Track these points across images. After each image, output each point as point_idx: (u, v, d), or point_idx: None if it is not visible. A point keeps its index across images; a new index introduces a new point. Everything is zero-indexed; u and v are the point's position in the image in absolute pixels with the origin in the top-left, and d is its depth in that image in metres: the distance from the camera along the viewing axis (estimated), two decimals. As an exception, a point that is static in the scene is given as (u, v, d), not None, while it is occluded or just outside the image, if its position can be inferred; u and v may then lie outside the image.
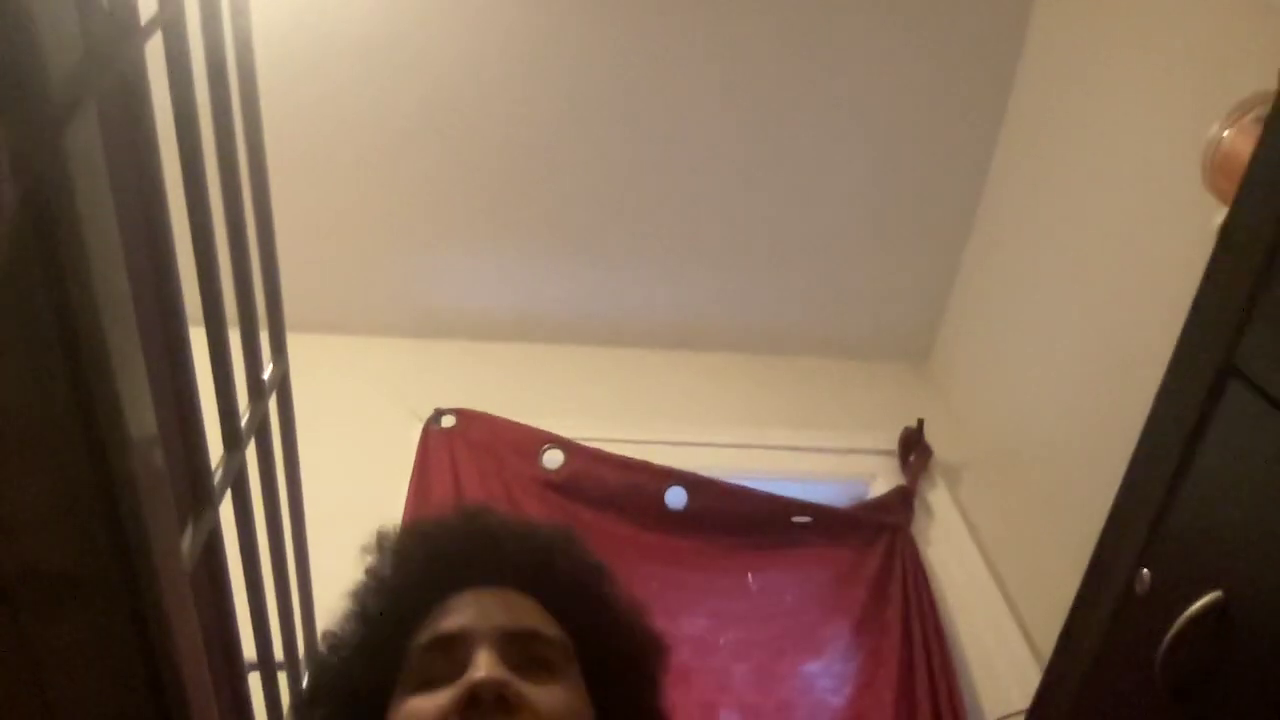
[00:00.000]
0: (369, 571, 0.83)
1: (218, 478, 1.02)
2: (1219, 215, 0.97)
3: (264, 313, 1.21)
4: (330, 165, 2.31)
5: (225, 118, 1.03)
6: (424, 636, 0.74)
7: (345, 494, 1.99)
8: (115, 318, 0.67)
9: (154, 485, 0.76)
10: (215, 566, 1.02)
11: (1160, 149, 1.75)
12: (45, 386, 0.65)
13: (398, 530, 0.85)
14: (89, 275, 0.63)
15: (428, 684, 0.71)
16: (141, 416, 0.74)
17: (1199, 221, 1.59)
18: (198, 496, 0.98)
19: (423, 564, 0.79)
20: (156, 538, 0.76)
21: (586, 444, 2.12)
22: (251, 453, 1.17)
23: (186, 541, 0.93)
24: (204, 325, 1.02)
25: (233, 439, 1.06)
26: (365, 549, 0.84)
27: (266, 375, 1.18)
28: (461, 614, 0.74)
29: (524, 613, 0.76)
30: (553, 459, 2.09)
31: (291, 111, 2.18)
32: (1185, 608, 0.82)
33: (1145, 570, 0.89)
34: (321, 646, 0.83)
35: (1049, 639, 1.76)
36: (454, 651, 0.71)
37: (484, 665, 0.68)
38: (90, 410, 0.67)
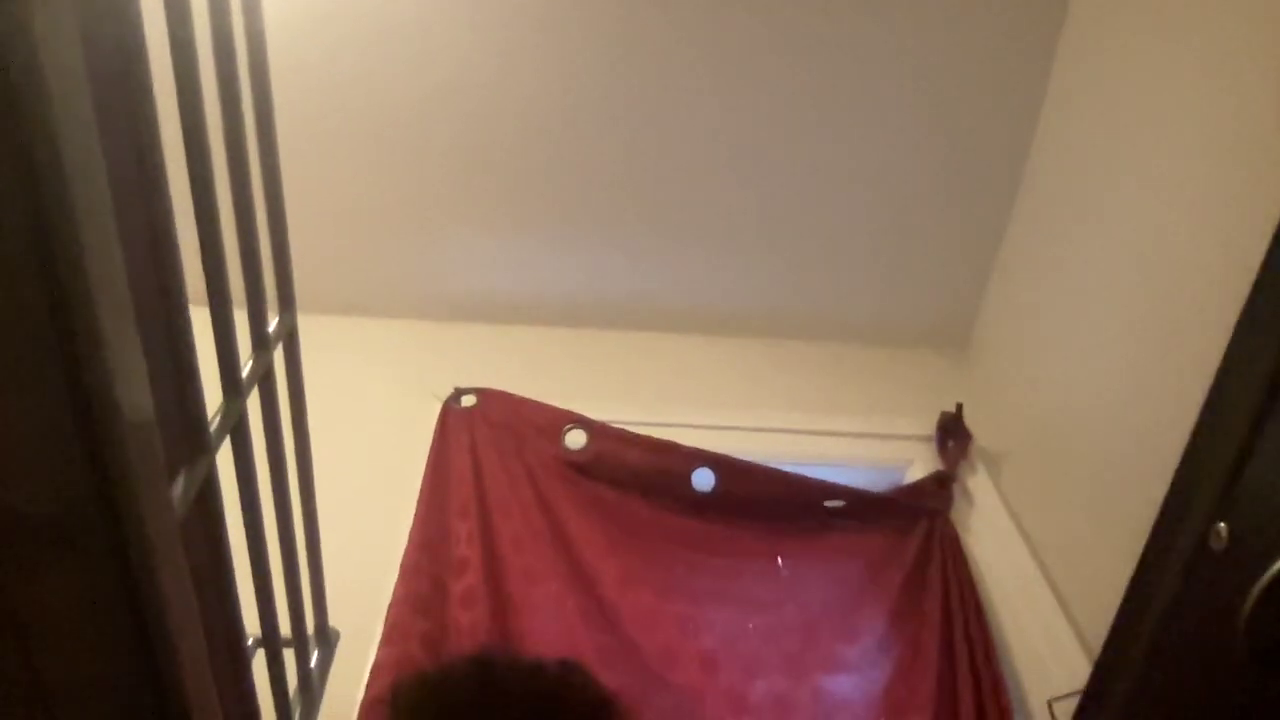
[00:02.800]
0: None
1: (214, 426, 0.96)
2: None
3: (271, 265, 1.16)
4: (348, 147, 2.28)
5: (229, 61, 0.99)
6: None
7: (362, 473, 1.96)
8: (97, 248, 0.62)
9: (139, 422, 0.71)
10: (211, 520, 0.96)
11: (1207, 126, 1.68)
12: (20, 314, 0.60)
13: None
14: (68, 196, 0.58)
15: None
16: (125, 348, 0.69)
17: (1246, 198, 1.53)
18: (193, 444, 0.92)
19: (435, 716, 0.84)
20: (142, 478, 0.71)
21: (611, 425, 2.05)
22: (257, 414, 1.13)
23: (179, 488, 0.87)
24: (203, 275, 0.97)
25: (232, 386, 1.01)
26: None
27: (272, 327, 1.13)
28: None
29: None
30: (575, 439, 2.02)
31: (307, 95, 2.16)
32: (1270, 564, 0.73)
33: (1222, 524, 0.81)
34: None
35: (1095, 626, 1.68)
36: None
37: None
38: (69, 341, 0.62)
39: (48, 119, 0.55)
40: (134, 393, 0.69)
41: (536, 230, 2.46)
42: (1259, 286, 0.87)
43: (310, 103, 2.18)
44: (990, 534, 2.01)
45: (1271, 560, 0.73)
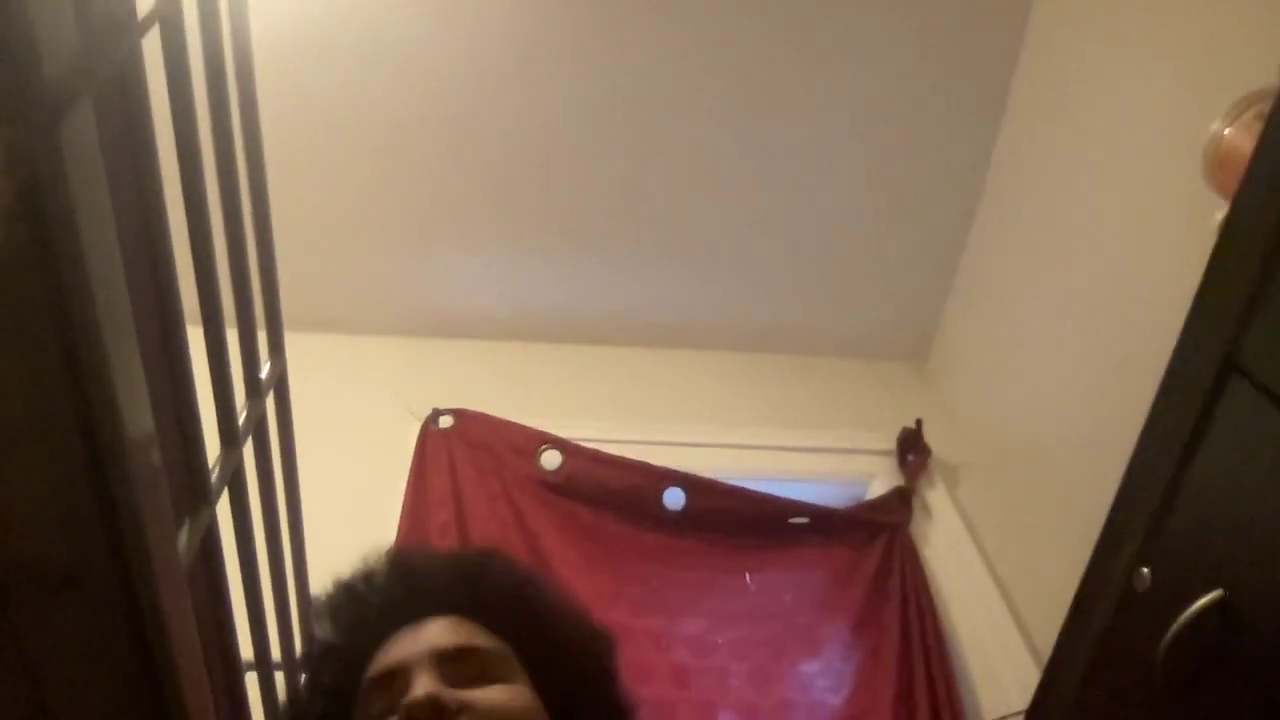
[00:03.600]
0: (313, 639, 0.86)
1: (215, 476, 1.01)
2: (1220, 211, 0.96)
3: (262, 311, 1.21)
4: (329, 164, 2.31)
5: (223, 115, 1.03)
6: (366, 681, 0.77)
7: (343, 494, 1.99)
8: (111, 314, 0.66)
9: (150, 482, 0.75)
10: (212, 565, 1.01)
11: (1160, 147, 1.75)
12: (41, 383, 0.65)
13: (332, 592, 0.87)
14: (85, 272, 0.62)
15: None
16: (138, 413, 0.73)
17: (1199, 219, 1.59)
18: (195, 494, 0.97)
19: (357, 617, 0.83)
20: (153, 535, 0.76)
21: (584, 444, 2.11)
22: (249, 452, 1.17)
23: (183, 539, 0.92)
24: (201, 324, 1.02)
25: (230, 437, 1.06)
26: (311, 615, 0.87)
27: (264, 374, 1.18)
28: (396, 648, 0.77)
29: (456, 633, 0.78)
30: (551, 459, 2.08)
31: (291, 110, 2.17)
32: (1186, 606, 0.81)
33: (1145, 569, 0.89)
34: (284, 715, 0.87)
35: (1048, 638, 1.76)
36: (394, 684, 0.74)
37: (417, 686, 0.71)
38: (86, 408, 0.66)
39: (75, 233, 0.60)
40: (144, 449, 0.73)
41: (511, 247, 2.50)
42: (1184, 335, 0.94)
43: (292, 121, 2.19)
44: (947, 547, 2.10)
45: (1185, 606, 0.81)
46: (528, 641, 0.80)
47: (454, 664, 0.74)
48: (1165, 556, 0.87)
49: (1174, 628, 0.82)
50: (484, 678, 0.74)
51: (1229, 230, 0.83)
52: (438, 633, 0.78)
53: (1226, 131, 1.25)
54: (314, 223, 2.35)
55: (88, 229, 0.63)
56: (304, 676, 0.86)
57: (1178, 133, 1.68)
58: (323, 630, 0.85)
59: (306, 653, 0.86)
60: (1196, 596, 0.81)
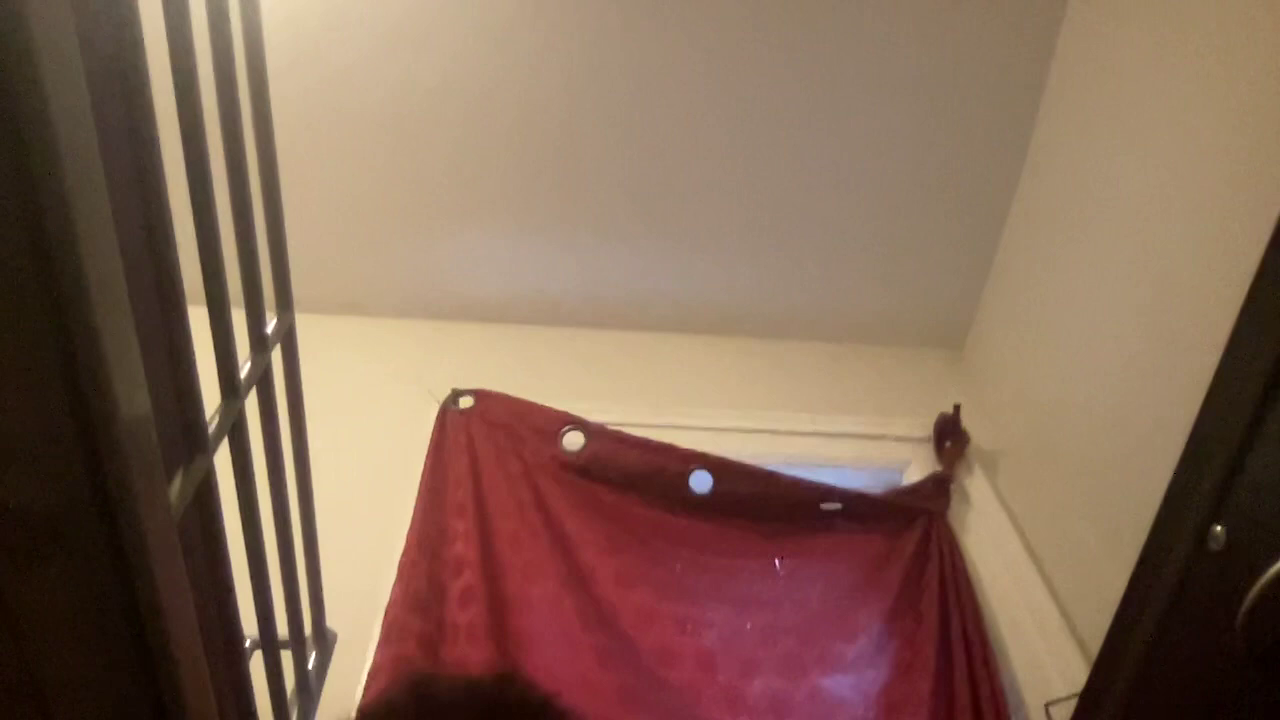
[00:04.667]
0: None
1: (213, 427, 0.96)
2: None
3: (269, 265, 1.16)
4: (347, 147, 2.28)
5: (227, 65, 0.99)
6: None
7: (360, 473, 1.96)
8: (96, 249, 0.62)
9: (136, 422, 0.71)
10: (209, 521, 0.96)
11: (1202, 129, 1.68)
12: (19, 311, 0.60)
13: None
14: (65, 197, 0.58)
15: None
16: (123, 347, 0.69)
17: (1239, 203, 1.53)
18: (191, 444, 0.92)
19: None
20: (139, 477, 0.71)
21: (609, 427, 2.05)
22: (255, 414, 1.13)
23: (175, 488, 0.87)
24: (201, 273, 0.97)
25: (230, 386, 1.00)
26: None
27: (270, 328, 1.13)
28: None
29: None
30: (573, 441, 2.02)
31: (308, 90, 2.15)
32: (1268, 566, 0.74)
33: (1219, 526, 0.81)
34: None
35: (1092, 626, 1.68)
36: None
37: None
38: (67, 339, 0.61)
39: (45, 119, 0.55)
40: (131, 392, 0.68)
41: (534, 230, 2.45)
42: (1257, 287, 0.87)
43: (308, 102, 2.17)
44: (987, 535, 2.01)
45: (1269, 562, 0.73)
46: None
47: None
48: (1242, 512, 0.79)
49: (1255, 589, 0.74)
50: None
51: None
52: None
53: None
54: (332, 206, 2.33)
55: (72, 163, 0.58)
56: None
57: (1223, 113, 1.61)
58: None
59: None
60: (1276, 557, 0.73)
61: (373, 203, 2.38)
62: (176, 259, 0.89)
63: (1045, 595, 1.83)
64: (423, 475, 1.91)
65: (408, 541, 1.76)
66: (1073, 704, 1.13)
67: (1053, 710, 1.54)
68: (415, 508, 1.84)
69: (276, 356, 1.17)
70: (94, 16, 0.73)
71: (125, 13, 0.76)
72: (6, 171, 0.55)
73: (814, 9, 2.18)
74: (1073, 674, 1.61)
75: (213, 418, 0.97)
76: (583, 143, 2.32)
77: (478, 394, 2.11)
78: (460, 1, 2.12)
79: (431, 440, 2.00)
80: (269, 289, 1.16)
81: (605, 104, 2.27)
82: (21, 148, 0.55)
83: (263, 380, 1.12)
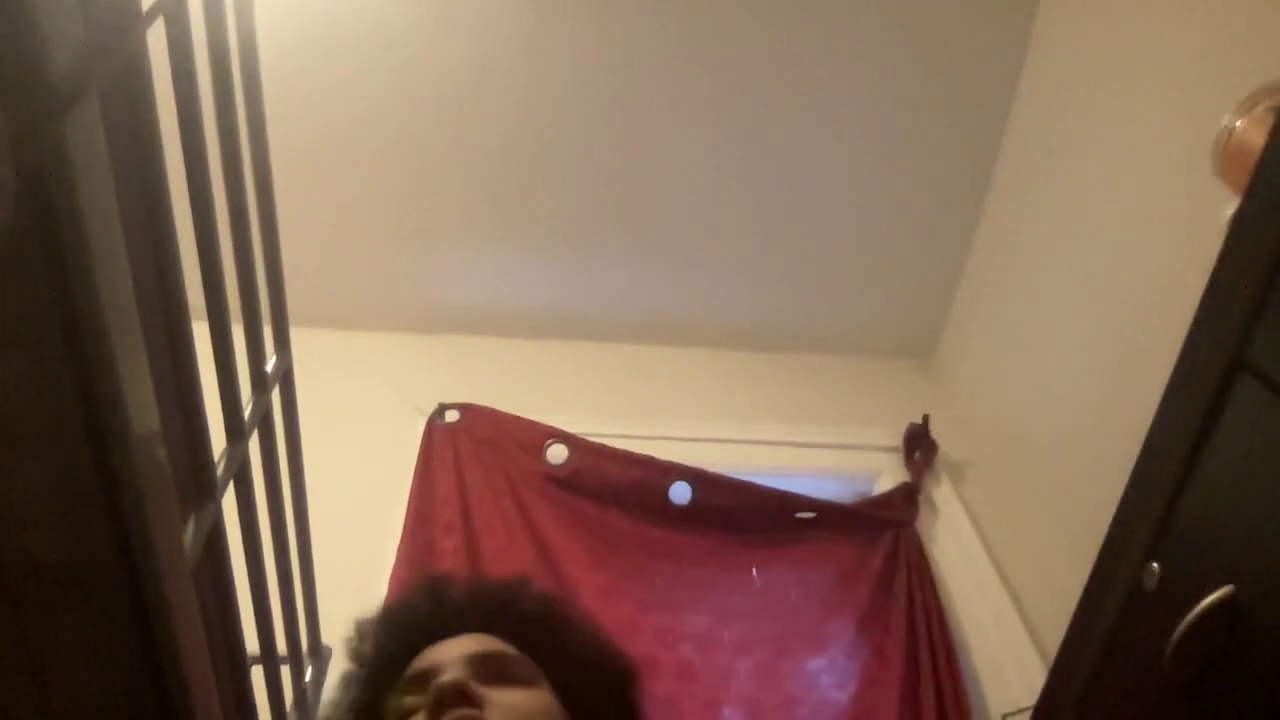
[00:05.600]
0: (352, 654, 0.92)
1: (220, 470, 1.01)
2: (1230, 206, 0.96)
3: (267, 305, 1.21)
4: (335, 161, 2.31)
5: (228, 110, 1.03)
6: (400, 682, 0.82)
7: (349, 489, 1.99)
8: (117, 309, 0.66)
9: (156, 478, 0.75)
10: (218, 560, 1.01)
11: (1168, 143, 1.74)
12: (46, 378, 0.64)
13: (371, 618, 0.94)
14: (90, 267, 0.62)
15: (407, 715, 0.77)
16: (143, 409, 0.73)
17: (1207, 215, 1.59)
18: (200, 489, 0.97)
19: (393, 632, 0.89)
20: (158, 532, 0.76)
21: (590, 439, 2.11)
22: (255, 447, 1.18)
23: (189, 535, 0.92)
24: (206, 318, 1.02)
25: (235, 431, 1.06)
26: (347, 639, 0.93)
27: (269, 368, 1.18)
28: (430, 654, 0.83)
29: (484, 642, 0.83)
30: (557, 454, 2.08)
31: (296, 107, 2.17)
32: (1196, 602, 0.81)
33: (1155, 564, 0.88)
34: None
35: (1054, 635, 1.75)
36: (425, 683, 0.78)
37: (447, 673, 0.76)
38: (92, 402, 0.66)
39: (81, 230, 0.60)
40: (150, 444, 0.73)
41: (517, 244, 2.49)
42: (1193, 331, 0.93)
43: (296, 120, 2.19)
44: (954, 545, 2.09)
45: (1196, 601, 0.80)
46: (552, 656, 0.84)
47: (482, 666, 0.79)
48: (1174, 553, 0.87)
49: (1183, 625, 0.81)
50: (510, 680, 0.78)
51: (1239, 226, 0.82)
52: (468, 641, 0.83)
53: (1238, 125, 1.24)
54: (319, 219, 2.35)
55: (92, 222, 0.63)
56: (340, 694, 0.91)
57: (1186, 128, 1.67)
58: (365, 646, 0.91)
59: (346, 670, 0.92)
60: (1206, 593, 0.80)
61: (358, 218, 2.41)
62: (187, 310, 0.94)
63: (1009, 605, 1.91)
64: (411, 492, 1.97)
65: (397, 559, 1.82)
66: (1026, 716, 1.21)
67: (1009, 721, 1.63)
68: (404, 525, 1.89)
69: (275, 395, 1.22)
70: (104, 43, 0.76)
71: (138, 69, 0.79)
72: (30, 235, 0.60)
73: (784, 25, 2.22)
74: (1035, 683, 1.67)
75: (219, 462, 1.03)
76: (564, 161, 2.36)
77: (464, 408, 2.16)
78: (448, 19, 2.15)
79: (419, 455, 2.05)
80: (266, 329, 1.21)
81: (585, 124, 2.32)
82: (49, 213, 0.59)
83: (263, 419, 1.17)
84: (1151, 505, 0.90)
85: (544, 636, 0.86)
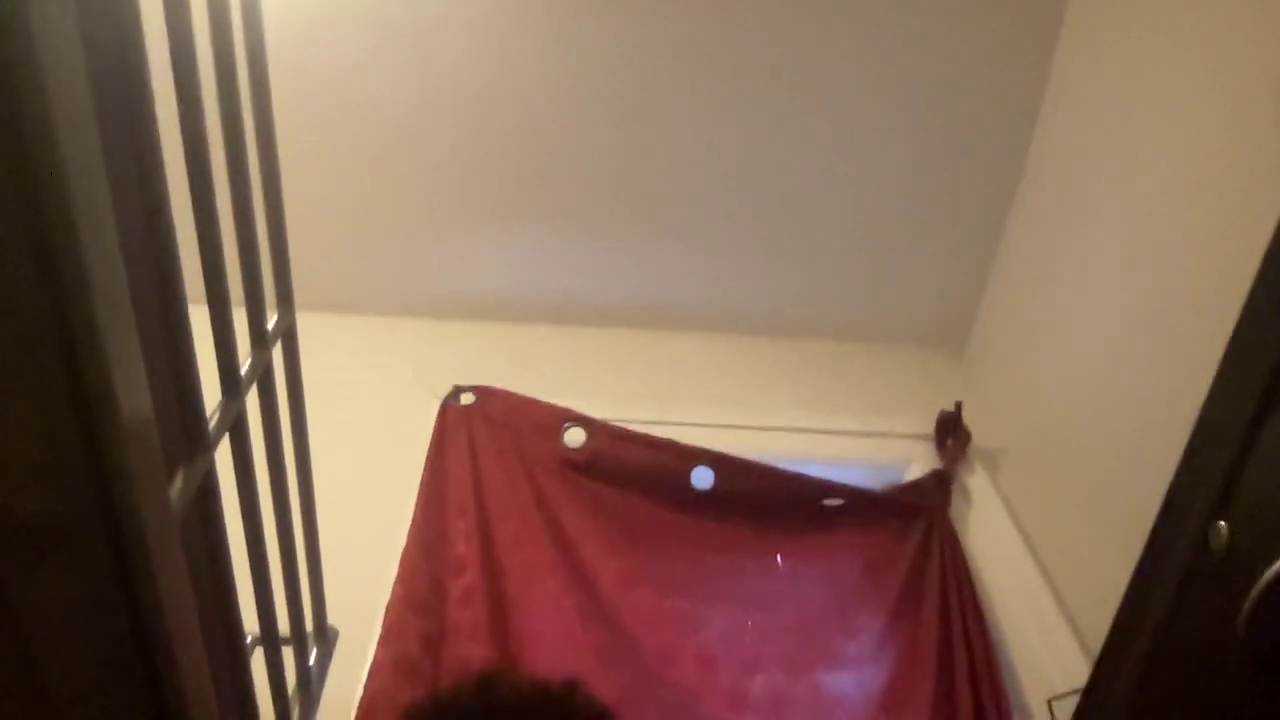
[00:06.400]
0: None
1: (214, 424, 0.96)
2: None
3: (269, 262, 1.16)
4: (348, 145, 2.28)
5: (228, 68, 0.99)
6: None
7: (361, 470, 1.96)
8: (98, 249, 0.61)
9: (138, 421, 0.71)
10: (210, 517, 0.96)
11: (1205, 124, 1.68)
12: (24, 326, 0.60)
13: (422, 710, 0.92)
14: (69, 209, 0.58)
15: None
16: (126, 355, 0.69)
17: (1247, 198, 1.53)
18: (191, 442, 0.92)
19: None
20: (141, 477, 0.71)
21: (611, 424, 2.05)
22: (255, 415, 1.13)
23: (177, 487, 0.87)
24: (202, 271, 0.97)
25: (231, 384, 1.00)
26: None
27: (271, 325, 1.13)
28: None
29: None
30: (574, 437, 2.02)
31: (310, 90, 2.16)
32: (1270, 564, 0.73)
33: (1222, 523, 0.81)
34: None
35: (1093, 624, 1.68)
36: None
37: None
38: (72, 349, 0.61)
39: (47, 116, 0.55)
40: (132, 392, 0.68)
41: (535, 228, 2.46)
42: (1258, 286, 0.87)
43: (309, 101, 2.18)
44: (988, 533, 2.01)
45: (1270, 561, 0.73)
46: None
47: None
48: (1245, 510, 0.79)
49: (1257, 588, 0.74)
50: None
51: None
52: None
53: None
54: (331, 205, 2.33)
55: (72, 156, 0.58)
56: None
57: (1226, 112, 1.61)
58: None
59: None
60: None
61: (372, 201, 2.39)
62: (178, 257, 0.89)
63: (1046, 593, 1.83)
64: (424, 474, 1.92)
65: (409, 541, 1.76)
66: (1074, 701, 1.13)
67: (1055, 706, 1.54)
68: (416, 507, 1.84)
69: (277, 354, 1.17)
70: (96, 18, 0.73)
71: (127, 14, 0.76)
72: (8, 173, 0.55)
73: (814, 9, 2.18)
74: (1074, 671, 1.61)
75: (213, 415, 0.97)
76: (582, 141, 2.32)
77: (478, 390, 2.11)
78: (458, 3, 2.12)
79: (432, 437, 2.00)
80: (269, 286, 1.16)
81: (604, 102, 2.27)
82: (24, 144, 0.54)
83: (264, 378, 1.12)
84: (1219, 458, 0.83)
85: None
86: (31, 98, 0.54)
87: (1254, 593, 0.74)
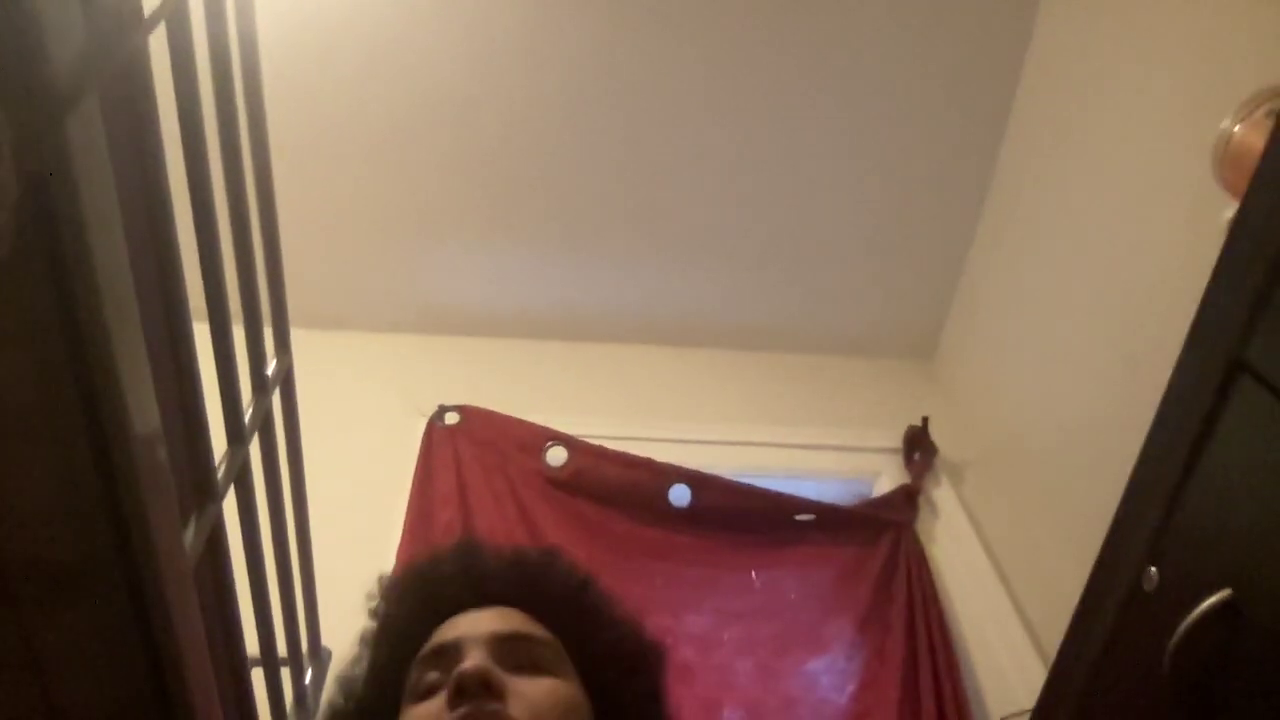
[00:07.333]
0: (373, 613, 0.88)
1: (221, 472, 1.01)
2: (1229, 210, 0.96)
3: (268, 307, 1.21)
4: (335, 161, 2.30)
5: (229, 112, 1.03)
6: (420, 654, 0.78)
7: (349, 490, 1.99)
8: (118, 310, 0.66)
9: (156, 479, 0.75)
10: (218, 561, 1.01)
11: (1167, 145, 1.74)
12: (48, 379, 0.65)
13: (403, 577, 0.90)
14: (91, 268, 0.63)
15: (427, 693, 0.74)
16: (144, 410, 0.74)
17: (1206, 217, 1.59)
18: (201, 491, 0.97)
19: (419, 595, 0.85)
20: (159, 532, 0.76)
21: (590, 441, 2.11)
22: (256, 449, 1.18)
23: (189, 536, 0.92)
24: (208, 320, 1.02)
25: (236, 433, 1.06)
26: (369, 595, 0.89)
27: (270, 370, 1.18)
28: (454, 626, 0.79)
29: (513, 621, 0.79)
30: (556, 456, 2.08)
31: (295, 109, 2.16)
32: (1194, 606, 0.81)
33: (1153, 568, 0.88)
34: (333, 689, 0.87)
35: (1054, 637, 1.75)
36: (447, 658, 0.75)
37: (470, 659, 0.72)
38: (93, 403, 0.66)
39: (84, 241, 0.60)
40: (150, 446, 0.73)
41: (517, 245, 2.49)
42: (1193, 333, 0.93)
43: (300, 119, 2.19)
44: (954, 546, 2.09)
45: (1195, 604, 0.80)
46: (581, 641, 0.81)
47: (508, 649, 0.76)
48: (1173, 556, 0.87)
49: (1182, 627, 0.81)
50: (535, 668, 0.75)
51: (1238, 229, 0.83)
52: (496, 617, 0.79)
53: (1236, 129, 1.25)
54: (318, 220, 2.34)
55: (94, 224, 0.63)
56: (358, 647, 0.89)
57: (1185, 131, 1.67)
58: (386, 607, 0.87)
59: (367, 627, 0.88)
60: (1205, 596, 0.80)
61: (359, 218, 2.41)
62: (188, 312, 0.94)
63: (1009, 605, 1.91)
64: (411, 493, 1.97)
65: (397, 560, 1.82)
66: (1026, 718, 1.21)
67: (1009, 724, 1.63)
68: (404, 526, 1.90)
69: (276, 397, 1.22)
70: (105, 44, 0.76)
71: (139, 69, 0.79)
72: (32, 236, 0.60)
73: (785, 25, 2.22)
74: (1034, 683, 1.66)
75: (220, 463, 1.03)
76: (563, 161, 2.36)
77: (463, 410, 2.16)
78: (449, 18, 2.15)
79: (419, 457, 2.05)
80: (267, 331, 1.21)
81: (586, 123, 2.31)
82: (51, 214, 0.59)
83: (264, 421, 1.17)
84: (1150, 508, 0.90)
85: (575, 619, 0.83)
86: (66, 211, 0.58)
87: (1178, 633, 0.82)
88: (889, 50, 2.28)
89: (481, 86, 2.24)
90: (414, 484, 1.99)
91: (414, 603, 0.84)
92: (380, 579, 0.90)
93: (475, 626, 0.78)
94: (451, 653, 0.75)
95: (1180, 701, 0.83)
